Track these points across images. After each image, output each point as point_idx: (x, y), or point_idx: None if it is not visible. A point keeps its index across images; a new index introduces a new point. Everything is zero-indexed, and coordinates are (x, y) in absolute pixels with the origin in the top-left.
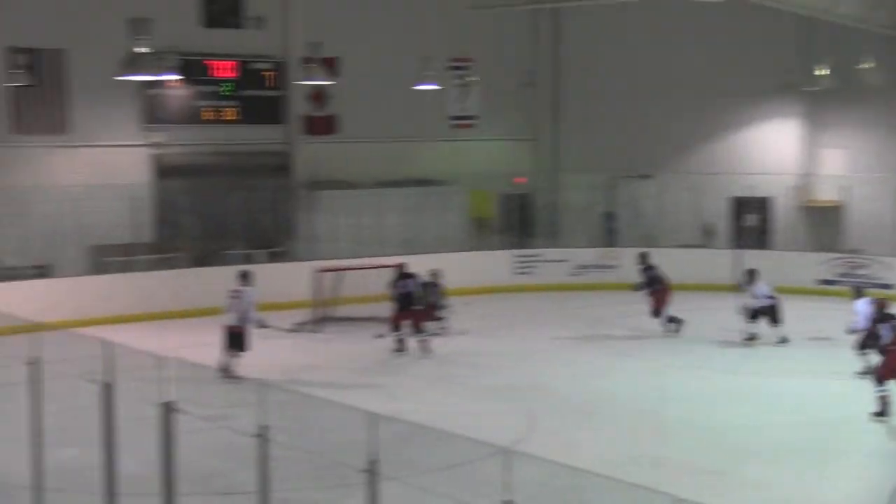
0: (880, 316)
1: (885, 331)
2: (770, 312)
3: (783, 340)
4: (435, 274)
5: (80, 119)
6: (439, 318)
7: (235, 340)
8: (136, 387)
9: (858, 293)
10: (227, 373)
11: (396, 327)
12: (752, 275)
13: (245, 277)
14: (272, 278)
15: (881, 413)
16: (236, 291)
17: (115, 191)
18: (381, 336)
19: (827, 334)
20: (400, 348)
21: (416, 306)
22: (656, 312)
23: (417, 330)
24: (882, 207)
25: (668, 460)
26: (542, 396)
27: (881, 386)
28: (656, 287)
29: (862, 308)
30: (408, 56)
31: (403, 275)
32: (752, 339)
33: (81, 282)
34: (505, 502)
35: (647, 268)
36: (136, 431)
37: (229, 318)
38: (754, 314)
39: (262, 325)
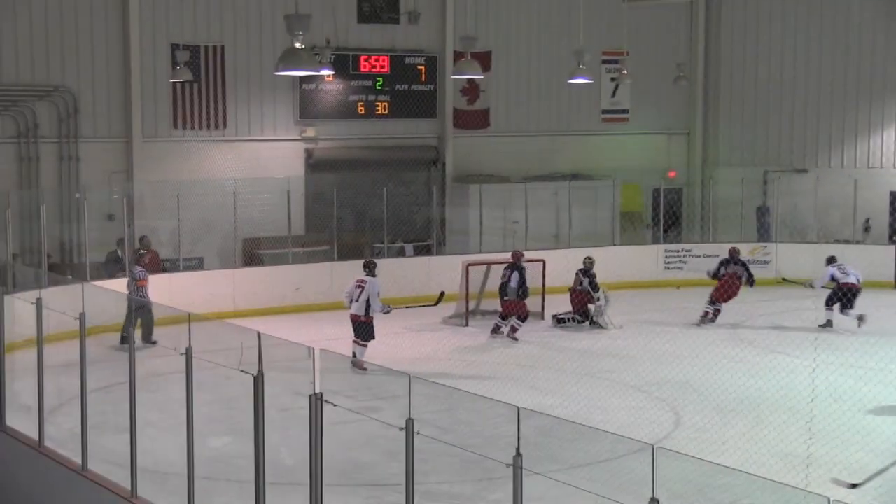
0: None
1: None
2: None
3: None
4: (587, 262)
5: (237, 114)
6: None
7: (361, 330)
8: (287, 378)
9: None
10: (355, 363)
11: (503, 316)
12: None
13: (369, 267)
14: (421, 271)
15: None
16: (361, 281)
17: (270, 184)
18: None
19: None
20: (494, 333)
21: (507, 297)
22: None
23: (518, 317)
24: None
25: (819, 460)
26: (689, 393)
27: None
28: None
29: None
30: (560, 50)
31: (510, 264)
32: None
33: (235, 274)
34: (651, 499)
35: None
36: (286, 422)
37: (355, 308)
38: None
39: (386, 312)
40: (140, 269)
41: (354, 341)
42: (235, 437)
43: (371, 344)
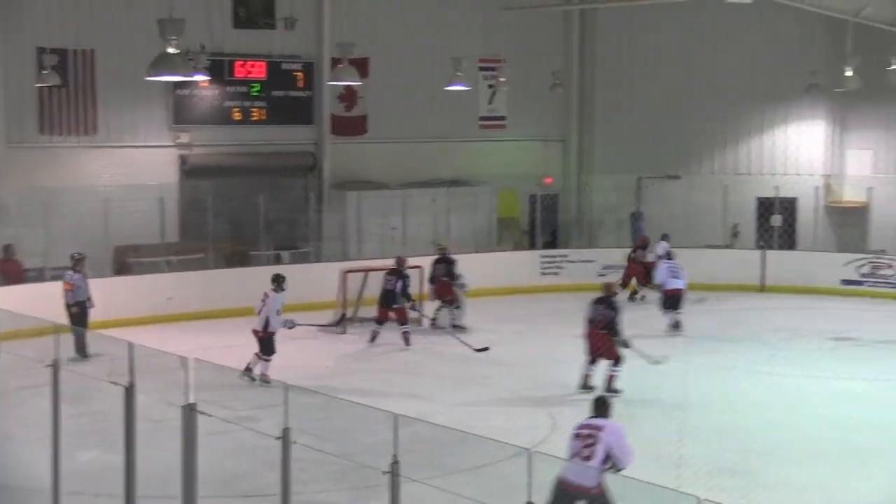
0: None
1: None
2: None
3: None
4: (443, 249)
5: (108, 119)
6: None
7: (261, 344)
8: (160, 389)
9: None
10: (247, 373)
11: (379, 322)
12: None
13: (277, 281)
14: (298, 279)
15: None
16: (265, 295)
17: (143, 191)
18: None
19: (850, 335)
20: (372, 340)
21: (396, 305)
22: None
23: (400, 323)
24: None
25: (690, 460)
26: (565, 397)
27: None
28: None
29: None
30: (438, 56)
31: (392, 271)
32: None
33: (107, 283)
34: (527, 503)
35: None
36: (159, 434)
37: (255, 322)
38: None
39: (289, 327)
40: None
41: (256, 354)
42: (105, 450)
43: (246, 352)
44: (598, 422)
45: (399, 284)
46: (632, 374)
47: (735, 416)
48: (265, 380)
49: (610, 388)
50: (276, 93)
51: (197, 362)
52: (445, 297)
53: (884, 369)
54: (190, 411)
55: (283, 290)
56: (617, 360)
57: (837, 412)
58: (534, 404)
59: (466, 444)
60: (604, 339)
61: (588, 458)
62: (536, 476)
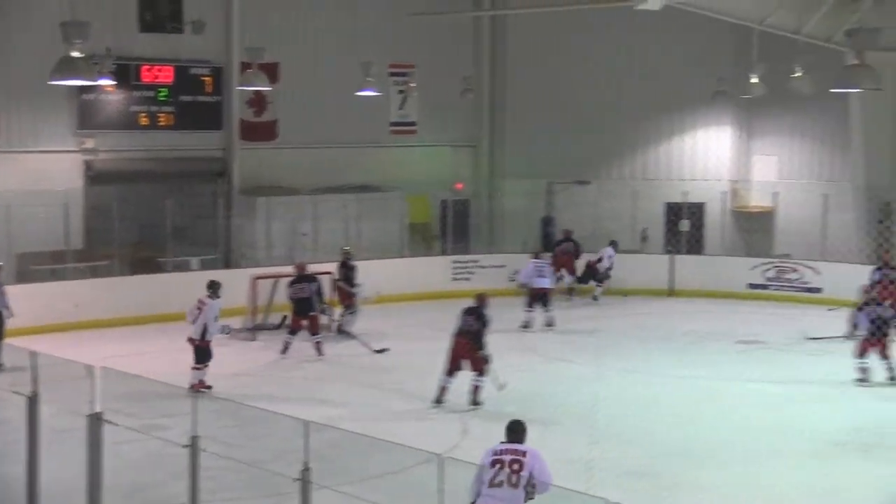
0: None
1: None
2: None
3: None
4: (347, 254)
5: (10, 124)
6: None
7: (197, 353)
8: (65, 398)
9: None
10: (194, 387)
11: (292, 332)
12: None
13: (212, 287)
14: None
15: None
16: (201, 302)
17: (47, 197)
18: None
19: (757, 338)
20: (284, 351)
21: (312, 312)
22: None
23: (313, 332)
24: (810, 213)
25: (601, 464)
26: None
27: None
28: None
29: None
30: (348, 62)
31: (302, 277)
32: None
33: (10, 291)
34: None
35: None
36: (63, 444)
37: (191, 330)
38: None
39: (226, 333)
40: None
41: (193, 367)
42: (6, 460)
43: (155, 359)
44: (520, 447)
45: (311, 289)
46: (543, 378)
47: (644, 419)
48: (204, 386)
49: (475, 401)
50: (184, 98)
51: (103, 371)
52: (344, 303)
53: (790, 372)
54: (96, 420)
55: (218, 296)
56: (481, 371)
57: (745, 414)
58: (445, 410)
59: (377, 451)
60: (468, 349)
61: (515, 485)
62: (447, 482)
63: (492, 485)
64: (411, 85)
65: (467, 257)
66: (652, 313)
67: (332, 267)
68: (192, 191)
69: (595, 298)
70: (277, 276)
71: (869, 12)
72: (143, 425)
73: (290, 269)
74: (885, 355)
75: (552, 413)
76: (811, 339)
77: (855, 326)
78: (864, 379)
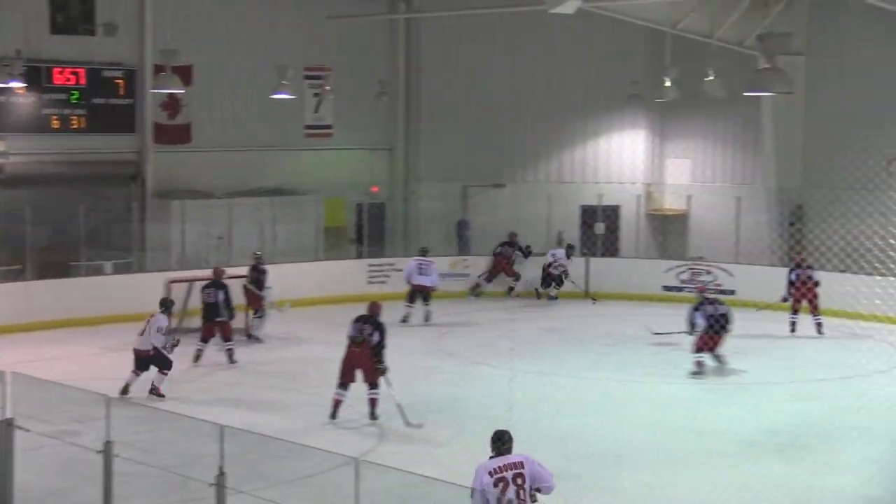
0: None
1: None
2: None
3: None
4: (258, 258)
5: None
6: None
7: (153, 361)
8: None
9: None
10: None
11: (204, 339)
12: None
13: (163, 305)
14: (120, 289)
15: None
16: (151, 316)
17: None
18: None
19: (671, 340)
20: (196, 359)
21: (220, 318)
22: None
23: (224, 339)
24: (723, 216)
25: None
26: (392, 406)
27: None
28: None
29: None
30: (263, 65)
31: (213, 282)
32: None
33: None
34: None
35: None
36: None
37: (138, 342)
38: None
39: (174, 344)
40: None
41: (161, 372)
42: None
43: (67, 365)
44: (514, 458)
45: (220, 295)
46: (458, 381)
47: (561, 421)
48: (158, 393)
49: (373, 414)
50: (96, 100)
51: (14, 376)
52: (252, 306)
53: (704, 373)
54: (7, 426)
55: (167, 313)
56: (376, 383)
57: (661, 416)
58: (361, 414)
59: (293, 455)
60: (363, 359)
61: (525, 500)
62: (364, 485)
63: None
64: (326, 88)
65: (383, 260)
66: (567, 316)
67: (246, 270)
68: (106, 194)
69: (553, 298)
70: (192, 280)
71: (779, 17)
72: (55, 431)
73: (205, 273)
74: (714, 351)
75: (467, 417)
76: (656, 333)
77: (692, 325)
78: (698, 372)
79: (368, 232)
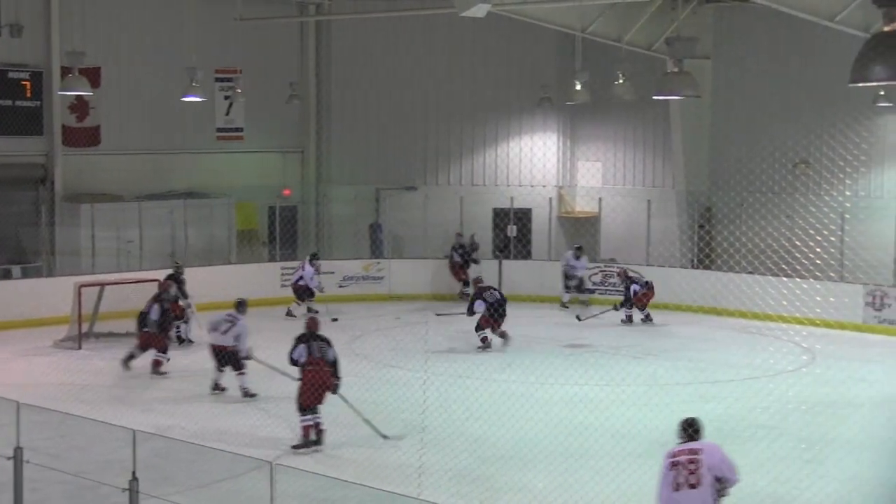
0: None
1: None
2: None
3: None
4: (178, 266)
5: None
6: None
7: (230, 360)
8: None
9: None
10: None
11: (142, 347)
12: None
13: (241, 306)
14: (29, 294)
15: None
16: (232, 316)
17: None
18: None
19: (584, 341)
20: (126, 364)
21: (146, 328)
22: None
23: (146, 348)
24: (634, 219)
25: (431, 468)
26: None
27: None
28: None
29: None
30: (173, 67)
31: (155, 297)
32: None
33: None
34: None
35: None
36: None
37: (219, 339)
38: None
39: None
40: None
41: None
42: None
43: None
44: (695, 445)
45: (156, 310)
46: (372, 384)
47: (473, 423)
48: (248, 393)
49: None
50: (2, 102)
51: None
52: (175, 313)
53: (616, 374)
54: None
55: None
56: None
57: (572, 417)
58: (274, 416)
59: (206, 459)
60: (328, 377)
61: (694, 485)
62: (278, 488)
63: (675, 489)
64: (237, 91)
65: (295, 263)
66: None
67: (158, 274)
68: (14, 198)
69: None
70: (102, 284)
71: (686, 21)
72: None
73: (116, 277)
74: (496, 330)
75: (381, 419)
76: (439, 314)
77: (472, 310)
78: (484, 346)
79: (280, 235)
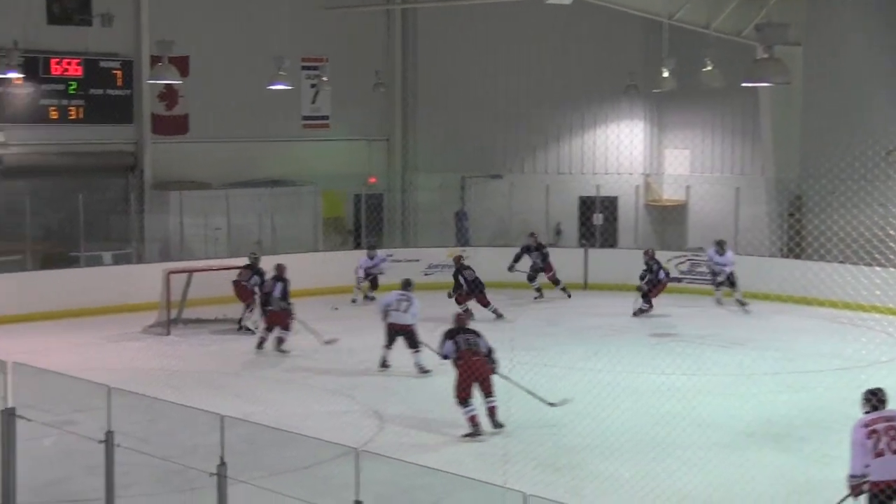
0: None
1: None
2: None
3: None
4: (254, 256)
5: None
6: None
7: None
8: None
9: None
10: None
11: (268, 328)
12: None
13: (409, 285)
14: (119, 280)
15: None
16: (406, 296)
17: None
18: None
19: (671, 331)
20: (259, 348)
21: (271, 307)
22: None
23: (272, 328)
24: (722, 207)
25: (516, 457)
26: (390, 396)
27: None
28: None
29: None
30: (260, 55)
31: (275, 277)
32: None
33: None
34: (356, 502)
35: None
36: None
37: (402, 318)
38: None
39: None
40: None
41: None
42: None
43: (67, 355)
44: (888, 412)
45: (279, 287)
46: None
47: (558, 412)
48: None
49: (496, 423)
50: (94, 91)
51: (16, 366)
52: (244, 300)
53: (703, 364)
54: (9, 416)
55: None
56: (491, 392)
57: (658, 407)
58: (359, 404)
59: (294, 445)
60: (486, 367)
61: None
62: (364, 475)
63: (876, 455)
64: (323, 79)
65: (383, 252)
66: (566, 307)
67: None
68: (104, 185)
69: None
70: (191, 271)
71: (776, 7)
72: (56, 420)
73: (204, 264)
74: (483, 304)
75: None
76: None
77: (456, 289)
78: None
79: (366, 223)
